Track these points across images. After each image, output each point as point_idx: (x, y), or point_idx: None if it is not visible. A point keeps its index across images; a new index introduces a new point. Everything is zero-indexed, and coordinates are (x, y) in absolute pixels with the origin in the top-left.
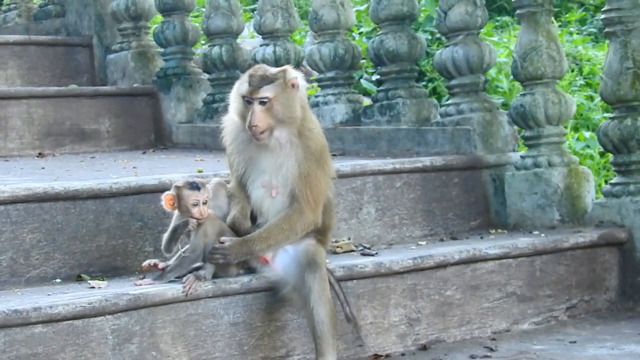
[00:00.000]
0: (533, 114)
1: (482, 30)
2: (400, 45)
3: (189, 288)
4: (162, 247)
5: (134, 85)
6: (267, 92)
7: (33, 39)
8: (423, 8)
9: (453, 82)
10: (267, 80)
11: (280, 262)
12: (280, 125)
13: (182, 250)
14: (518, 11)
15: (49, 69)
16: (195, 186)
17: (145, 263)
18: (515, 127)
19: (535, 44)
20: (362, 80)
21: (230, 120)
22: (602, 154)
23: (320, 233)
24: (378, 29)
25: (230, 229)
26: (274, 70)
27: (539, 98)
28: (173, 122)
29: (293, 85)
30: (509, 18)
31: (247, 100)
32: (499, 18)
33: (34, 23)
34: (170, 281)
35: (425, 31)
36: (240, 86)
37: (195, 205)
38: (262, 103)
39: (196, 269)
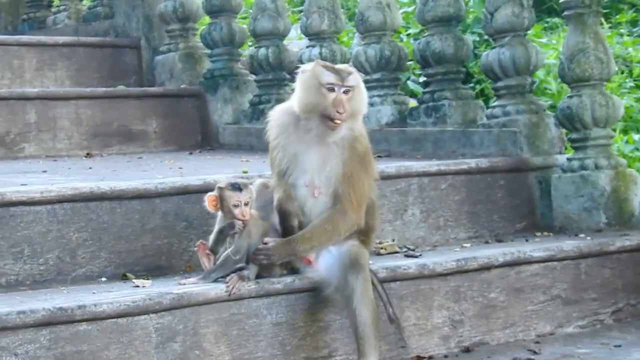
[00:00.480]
0: (580, 116)
1: (528, 31)
2: (446, 46)
3: (232, 288)
4: (209, 248)
5: (181, 86)
6: (352, 81)
7: (82, 41)
8: (471, 10)
9: (499, 83)
10: (347, 71)
11: (323, 263)
12: (353, 119)
13: (228, 251)
14: (565, 12)
15: (97, 70)
16: (237, 187)
17: (198, 242)
18: (562, 130)
19: (582, 46)
20: (409, 82)
21: (279, 113)
22: None
23: (363, 234)
24: (425, 31)
25: (273, 229)
26: (340, 65)
27: (586, 100)
28: (219, 123)
29: None
30: (558, 19)
31: (330, 89)
32: (548, 19)
33: (83, 24)
34: (214, 281)
35: (473, 32)
36: (321, 76)
37: (237, 206)
38: (346, 92)
39: (240, 269)
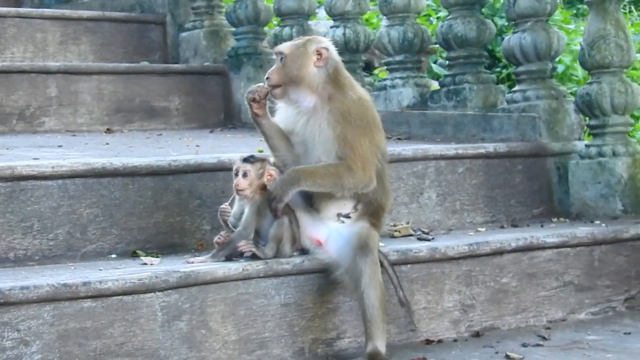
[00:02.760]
0: (599, 102)
1: (551, 16)
2: (468, 30)
3: (245, 246)
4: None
5: (205, 63)
6: (282, 48)
7: (107, 15)
8: None
9: (520, 68)
10: (286, 40)
11: (334, 245)
12: (296, 86)
13: (239, 228)
14: None
15: (122, 46)
16: (243, 158)
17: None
18: (582, 116)
19: (603, 32)
20: (434, 65)
21: None
22: None
23: (374, 215)
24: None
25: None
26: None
27: (606, 87)
28: (242, 102)
29: (319, 53)
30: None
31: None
32: (579, 6)
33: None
34: (225, 260)
35: (502, 17)
36: None
37: (236, 175)
38: (281, 60)
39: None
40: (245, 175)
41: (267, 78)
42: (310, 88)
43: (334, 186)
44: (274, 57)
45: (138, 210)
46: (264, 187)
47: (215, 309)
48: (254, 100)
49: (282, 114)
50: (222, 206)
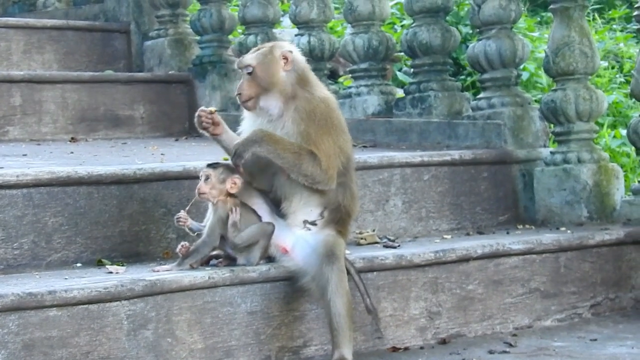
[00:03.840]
0: (564, 109)
1: (515, 24)
2: (433, 37)
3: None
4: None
5: (170, 72)
6: (249, 60)
7: (71, 24)
8: (466, 2)
9: (485, 75)
10: (251, 51)
11: (300, 252)
12: (266, 93)
13: (203, 237)
14: (551, 6)
15: (86, 55)
16: (207, 164)
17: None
18: (547, 123)
19: (567, 40)
20: (399, 73)
21: None
22: (639, 152)
23: (340, 223)
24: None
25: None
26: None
27: (570, 94)
28: None
29: (284, 57)
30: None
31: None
32: (543, 14)
33: (73, 8)
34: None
35: (466, 25)
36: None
37: (200, 179)
38: (249, 73)
39: (216, 257)
40: (207, 179)
41: (238, 94)
42: (281, 93)
43: (293, 165)
44: (239, 70)
45: (103, 219)
46: (229, 195)
47: (181, 317)
48: (205, 128)
49: (250, 122)
50: (179, 214)
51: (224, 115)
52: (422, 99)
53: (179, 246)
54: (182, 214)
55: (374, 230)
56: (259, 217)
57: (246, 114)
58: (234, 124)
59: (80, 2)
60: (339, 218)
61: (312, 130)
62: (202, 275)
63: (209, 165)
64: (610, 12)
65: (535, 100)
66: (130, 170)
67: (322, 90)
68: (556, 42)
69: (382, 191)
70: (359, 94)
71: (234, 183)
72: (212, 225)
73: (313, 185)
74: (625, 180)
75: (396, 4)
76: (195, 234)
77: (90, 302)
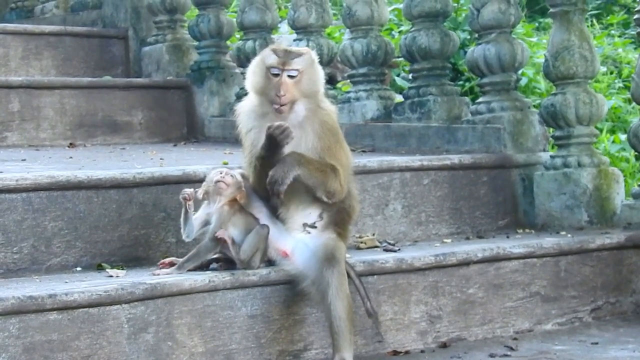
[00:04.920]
0: (563, 113)
1: (514, 28)
2: (432, 42)
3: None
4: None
5: (168, 78)
6: (297, 64)
7: (69, 30)
8: (464, 8)
9: (484, 80)
10: (295, 54)
11: (300, 256)
12: (302, 100)
13: (205, 241)
14: (551, 10)
15: (84, 61)
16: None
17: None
18: (546, 127)
19: (567, 43)
20: (397, 79)
21: (245, 102)
22: (638, 157)
23: (340, 225)
24: (413, 26)
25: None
26: (295, 47)
27: (570, 98)
28: (205, 116)
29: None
30: (550, 20)
31: (275, 73)
32: (541, 20)
33: (70, 14)
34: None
35: (464, 30)
36: (266, 59)
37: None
38: (291, 76)
39: (216, 260)
40: (232, 177)
41: (280, 95)
42: (312, 102)
43: (319, 184)
44: (275, 72)
45: (103, 223)
46: (233, 200)
47: (181, 320)
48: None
49: (253, 117)
50: (185, 190)
51: (221, 121)
52: (421, 103)
53: (159, 262)
54: (190, 190)
55: (373, 235)
56: (257, 221)
57: (246, 112)
58: (232, 128)
59: (78, 9)
60: (338, 220)
61: (332, 144)
62: (202, 279)
63: (232, 169)
64: (608, 17)
65: (534, 106)
66: (129, 175)
67: (327, 101)
68: (556, 46)
69: (382, 195)
70: (357, 99)
71: (243, 191)
72: (214, 229)
73: (330, 199)
74: (624, 186)
75: (394, 9)
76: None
77: (90, 305)
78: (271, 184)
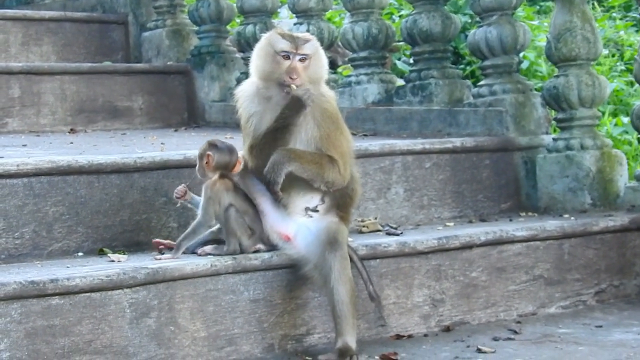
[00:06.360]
0: (566, 95)
1: (516, 10)
2: (433, 25)
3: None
4: None
5: (168, 63)
6: (307, 49)
7: (68, 16)
8: None
9: (486, 62)
10: (303, 39)
11: (302, 240)
12: (307, 86)
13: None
14: None
15: (84, 46)
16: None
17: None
18: (549, 110)
19: (569, 25)
20: (398, 62)
21: (245, 86)
22: None
23: (342, 208)
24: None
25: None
26: (299, 33)
27: (573, 80)
28: (206, 101)
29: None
30: (551, 3)
31: (285, 56)
32: (542, 3)
33: (70, 0)
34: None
35: (465, 14)
36: (275, 43)
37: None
38: (302, 60)
39: (216, 241)
40: (215, 147)
41: (293, 78)
42: (320, 86)
43: (316, 175)
44: (286, 55)
45: (104, 208)
46: (222, 176)
47: (183, 305)
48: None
49: (255, 102)
50: (178, 188)
51: (222, 106)
52: (423, 86)
53: (154, 240)
54: (180, 187)
55: (376, 218)
56: (253, 206)
57: (247, 96)
58: (232, 113)
59: None
60: (340, 203)
61: (331, 131)
62: (204, 263)
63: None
64: (610, 0)
65: (536, 89)
66: (130, 159)
67: (326, 86)
68: (558, 27)
69: (384, 179)
70: (358, 83)
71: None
72: (204, 204)
73: (330, 189)
74: (627, 168)
75: None
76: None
77: (92, 290)
78: (266, 184)
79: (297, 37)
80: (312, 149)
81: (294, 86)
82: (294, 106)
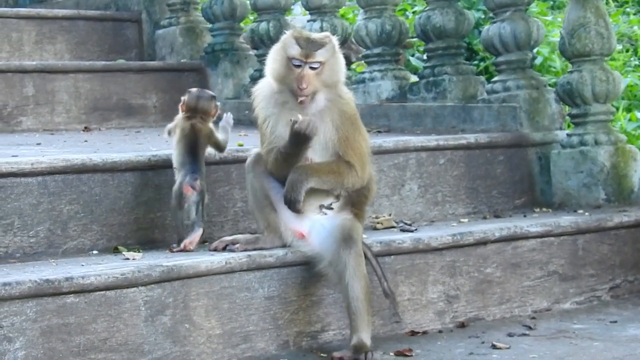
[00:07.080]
0: (580, 91)
1: (530, 6)
2: (447, 21)
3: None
4: None
5: (182, 60)
6: (320, 56)
7: (82, 14)
8: None
9: (500, 58)
10: (318, 44)
11: (317, 237)
12: (323, 90)
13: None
14: None
15: (98, 44)
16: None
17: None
18: (563, 105)
19: (583, 20)
20: (412, 59)
21: (264, 85)
22: None
23: (356, 205)
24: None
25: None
26: (317, 34)
27: (587, 75)
28: (220, 98)
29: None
30: None
31: (296, 64)
32: None
33: None
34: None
35: (478, 9)
36: (288, 48)
37: None
38: (313, 67)
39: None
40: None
41: (302, 88)
42: (337, 89)
43: (335, 184)
44: (297, 63)
45: (119, 206)
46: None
47: (198, 302)
48: None
49: (272, 104)
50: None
51: (236, 103)
52: (437, 83)
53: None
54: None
55: (390, 215)
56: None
57: (264, 97)
58: (247, 110)
59: None
60: (355, 200)
61: (349, 134)
62: (219, 261)
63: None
64: None
65: (550, 85)
66: (145, 157)
67: (344, 87)
68: (571, 23)
69: (398, 175)
70: (372, 79)
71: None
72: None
73: (350, 191)
74: None
75: None
76: None
77: (107, 288)
78: (287, 204)
79: (312, 41)
80: (330, 152)
81: (295, 119)
82: (297, 141)
